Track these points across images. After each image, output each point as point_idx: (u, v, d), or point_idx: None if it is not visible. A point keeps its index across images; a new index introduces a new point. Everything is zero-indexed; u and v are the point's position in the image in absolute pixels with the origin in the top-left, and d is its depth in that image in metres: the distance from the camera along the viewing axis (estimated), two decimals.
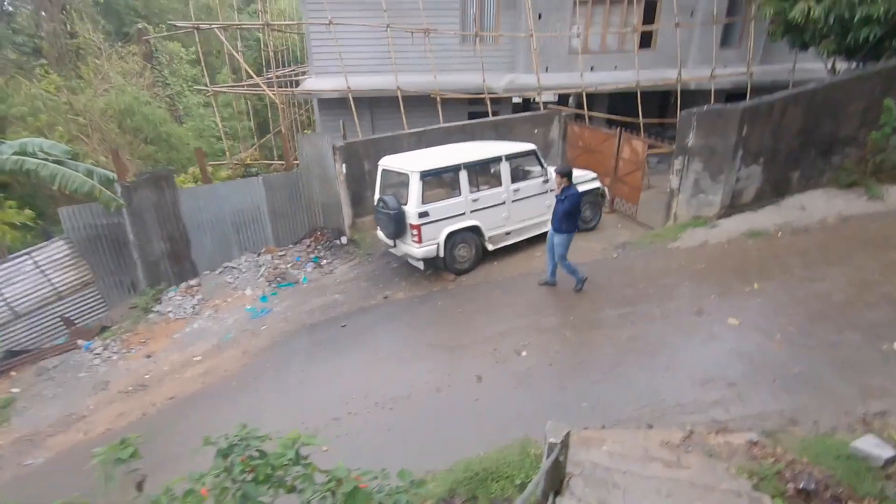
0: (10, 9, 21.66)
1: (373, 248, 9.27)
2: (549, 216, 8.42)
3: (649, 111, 14.34)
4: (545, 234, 8.60)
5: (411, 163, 7.32)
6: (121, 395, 6.51)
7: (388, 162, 7.83)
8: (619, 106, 14.10)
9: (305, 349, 6.72)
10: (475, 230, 7.76)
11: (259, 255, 9.06)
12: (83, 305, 7.89)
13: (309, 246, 9.40)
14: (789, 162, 7.91)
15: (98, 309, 8.01)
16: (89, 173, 7.93)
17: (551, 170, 8.52)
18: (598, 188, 8.95)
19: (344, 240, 9.54)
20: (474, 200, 7.63)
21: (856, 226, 7.19)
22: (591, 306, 6.45)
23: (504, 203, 7.92)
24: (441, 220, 7.38)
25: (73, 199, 7.87)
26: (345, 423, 5.22)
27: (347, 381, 5.85)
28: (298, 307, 7.78)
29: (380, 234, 8.03)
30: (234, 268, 8.76)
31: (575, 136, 11.04)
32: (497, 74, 13.32)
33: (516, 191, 7.99)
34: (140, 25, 23.34)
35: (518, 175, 8.32)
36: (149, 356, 7.13)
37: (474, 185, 7.68)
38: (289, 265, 8.82)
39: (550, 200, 8.35)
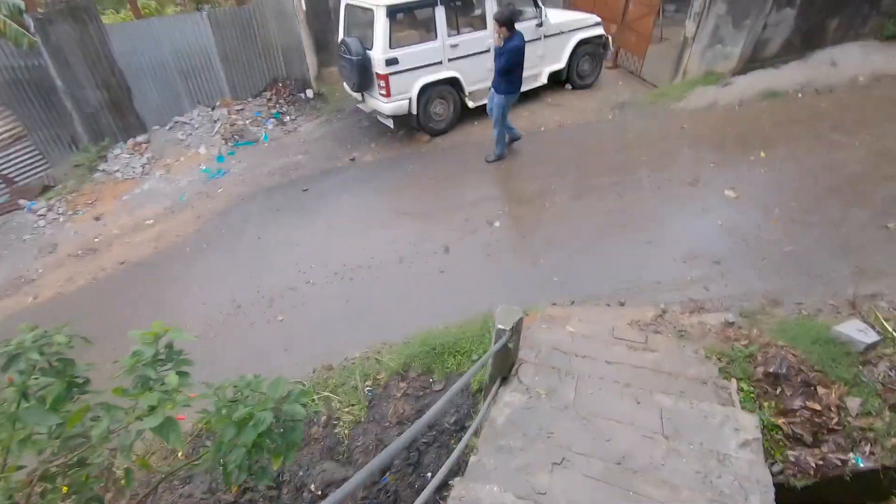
0: None
1: (342, 103, 8.25)
2: (542, 67, 7.40)
3: None
4: (537, 89, 7.62)
5: None
6: (70, 258, 6.12)
7: None
8: None
9: (263, 214, 6.20)
10: (454, 83, 6.74)
11: (213, 108, 8.04)
12: (19, 162, 7.11)
13: (269, 100, 8.34)
14: (829, 5, 6.63)
15: (37, 166, 7.25)
16: None
17: (550, 11, 7.20)
18: (600, 36, 7.69)
19: (309, 93, 8.45)
20: (453, 46, 6.49)
21: (890, 87, 6.27)
22: (576, 174, 5.82)
23: (489, 51, 6.77)
24: (413, 69, 6.33)
25: None
26: (301, 292, 4.93)
27: (306, 249, 5.45)
28: (257, 168, 7.08)
29: (346, 86, 7.00)
30: (186, 123, 7.82)
31: None
32: None
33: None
34: None
35: None
36: (97, 218, 6.60)
37: (453, 27, 6.46)
38: (247, 121, 7.89)
39: (547, 48, 7.23)
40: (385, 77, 6.18)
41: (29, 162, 7.23)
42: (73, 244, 6.34)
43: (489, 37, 6.68)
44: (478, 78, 6.90)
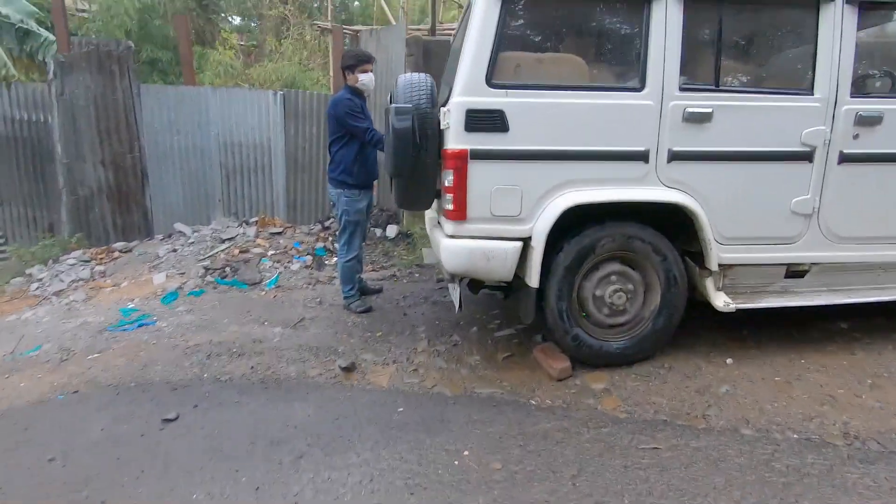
0: None
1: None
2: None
3: None
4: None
5: None
6: None
7: None
8: None
9: (49, 450, 2.17)
10: (669, 222, 2.22)
11: (242, 224, 5.07)
12: None
13: (327, 228, 5.05)
14: None
15: None
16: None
17: None
18: None
19: (391, 231, 4.91)
20: (695, 116, 2.13)
21: None
22: None
23: (815, 156, 2.19)
24: (554, 159, 2.10)
25: None
26: None
27: None
28: (189, 334, 3.32)
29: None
30: (183, 234, 4.94)
31: None
32: None
33: (868, 119, 2.18)
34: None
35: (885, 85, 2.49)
36: None
37: (700, 74, 2.20)
38: (273, 252, 4.58)
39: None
40: (459, 158, 2.07)
41: None
42: None
43: (823, 111, 2.17)
44: (762, 226, 2.26)
